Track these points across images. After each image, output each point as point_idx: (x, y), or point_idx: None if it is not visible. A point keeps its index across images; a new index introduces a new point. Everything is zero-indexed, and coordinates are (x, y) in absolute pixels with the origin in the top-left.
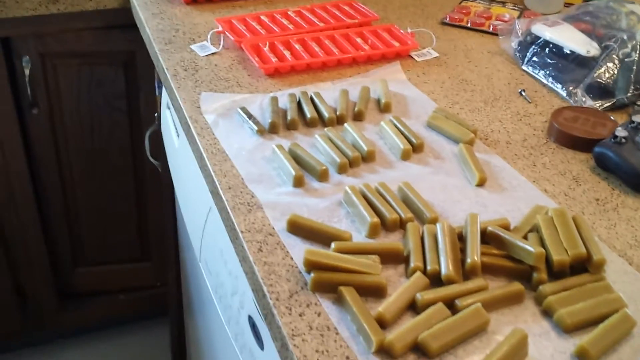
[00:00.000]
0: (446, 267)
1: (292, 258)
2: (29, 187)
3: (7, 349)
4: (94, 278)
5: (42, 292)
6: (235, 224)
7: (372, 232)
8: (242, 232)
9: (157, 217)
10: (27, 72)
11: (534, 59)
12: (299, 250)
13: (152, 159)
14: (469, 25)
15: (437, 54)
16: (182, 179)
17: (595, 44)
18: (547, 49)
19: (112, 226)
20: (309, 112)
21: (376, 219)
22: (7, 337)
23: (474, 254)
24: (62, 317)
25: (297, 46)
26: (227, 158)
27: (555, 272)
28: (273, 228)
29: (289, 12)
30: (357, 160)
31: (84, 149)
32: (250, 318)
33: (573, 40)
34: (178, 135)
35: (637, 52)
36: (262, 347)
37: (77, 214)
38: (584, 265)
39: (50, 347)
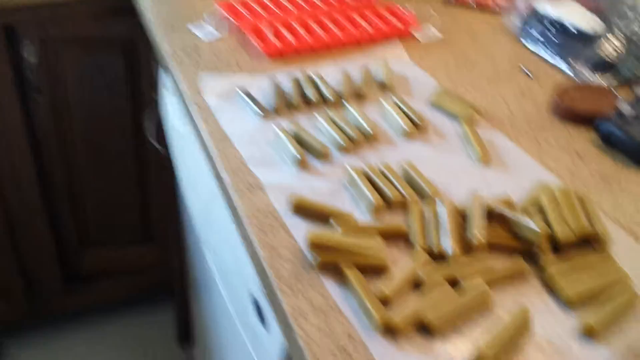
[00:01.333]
0: (449, 245)
1: (295, 240)
2: (33, 172)
3: (14, 332)
4: (99, 260)
5: (47, 275)
6: (237, 205)
7: (375, 212)
8: (244, 213)
9: (160, 199)
10: (29, 58)
11: (538, 36)
12: (301, 231)
13: (154, 142)
14: (472, 3)
15: (439, 34)
16: (184, 161)
17: (598, 20)
18: (550, 25)
19: (116, 208)
20: (310, 93)
21: (379, 199)
22: (14, 319)
23: (478, 232)
24: (68, 299)
25: (298, 27)
26: (228, 140)
27: (560, 250)
28: (275, 209)
29: None
30: (359, 141)
31: (87, 133)
32: (253, 298)
33: (576, 16)
34: (179, 119)
35: None
36: (265, 327)
37: (82, 197)
38: (589, 242)
39: (57, 329)
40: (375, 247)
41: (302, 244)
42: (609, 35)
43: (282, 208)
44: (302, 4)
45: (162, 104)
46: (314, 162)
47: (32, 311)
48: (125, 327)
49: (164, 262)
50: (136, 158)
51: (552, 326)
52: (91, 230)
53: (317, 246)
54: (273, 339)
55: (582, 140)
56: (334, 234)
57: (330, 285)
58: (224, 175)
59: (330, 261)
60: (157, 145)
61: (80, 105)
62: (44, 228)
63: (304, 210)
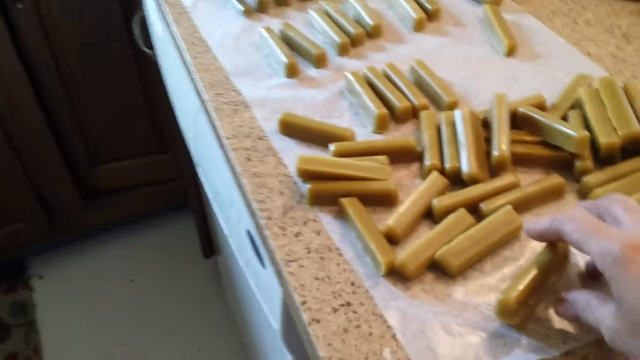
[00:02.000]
0: (468, 163)
1: (285, 166)
2: (28, 91)
3: (38, 252)
4: (113, 175)
5: (63, 195)
6: (219, 128)
7: (380, 126)
8: (227, 138)
9: (168, 107)
10: None
11: None
12: (293, 155)
13: (144, 48)
14: None
15: None
16: (169, 72)
17: None
18: None
19: (124, 120)
20: None
21: (383, 110)
22: (34, 240)
23: (502, 144)
24: (88, 216)
25: None
26: (208, 48)
27: (603, 159)
28: (263, 130)
29: None
30: (360, 38)
31: (79, 42)
32: (249, 233)
33: None
34: (157, 21)
35: None
36: (263, 265)
37: (85, 112)
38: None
39: (81, 245)
40: (380, 171)
41: (295, 171)
42: None
43: (271, 128)
44: None
45: (145, 5)
46: (308, 69)
47: (54, 230)
48: (149, 239)
49: (179, 172)
50: (136, 64)
51: None
52: (101, 145)
53: (308, 173)
54: (274, 281)
55: (628, 16)
56: (329, 159)
57: (327, 222)
58: (203, 92)
59: (325, 192)
60: (147, 51)
61: (67, 12)
62: (51, 149)
63: (296, 129)
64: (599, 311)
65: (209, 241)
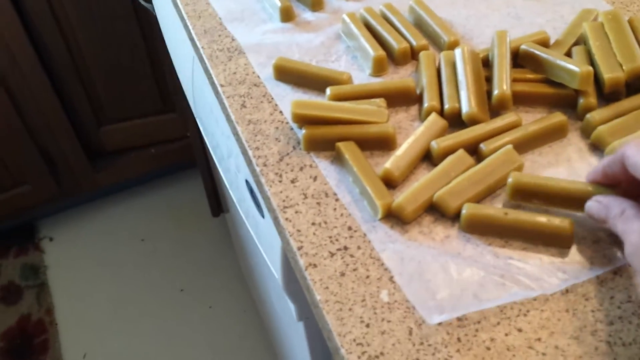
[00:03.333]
0: (468, 103)
1: (281, 112)
2: (30, 51)
3: (48, 214)
4: (120, 135)
5: (70, 156)
6: (213, 76)
7: (378, 69)
8: (221, 85)
9: (171, 66)
10: None
11: None
12: (289, 101)
13: (142, 2)
14: None
15: None
16: (165, 25)
17: None
18: None
19: (128, 80)
20: None
21: (381, 52)
22: (43, 201)
23: (503, 83)
24: (96, 177)
25: None
26: None
27: (608, 95)
28: (258, 77)
29: None
30: None
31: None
32: (247, 183)
33: None
34: None
35: None
36: (262, 214)
37: (88, 72)
38: None
39: (91, 206)
40: (377, 114)
41: (291, 117)
42: None
43: (266, 74)
44: None
45: None
46: (304, 12)
47: (62, 192)
48: (158, 199)
49: (187, 131)
50: (138, 20)
51: None
52: (106, 105)
53: (303, 118)
54: (273, 230)
55: None
56: (324, 103)
57: (324, 167)
58: (197, 39)
59: (321, 137)
60: (145, 4)
61: None
62: (56, 109)
63: (291, 74)
64: (630, 223)
65: (217, 199)
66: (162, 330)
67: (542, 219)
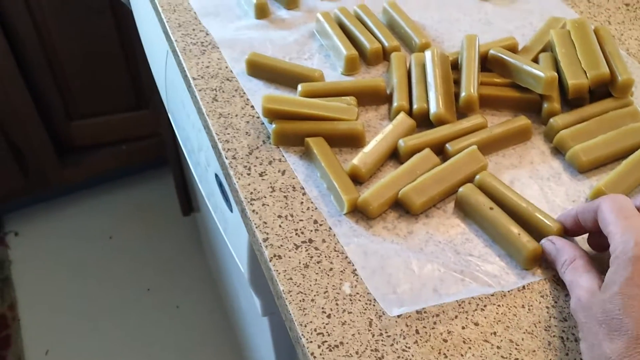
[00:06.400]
0: (436, 104)
1: (252, 107)
2: (2, 42)
3: (14, 208)
4: (91, 130)
5: (39, 149)
6: (186, 69)
7: (349, 68)
8: (193, 78)
9: (146, 62)
10: None
11: None
12: (261, 96)
13: None
14: None
15: None
16: (140, 18)
17: None
18: None
19: (102, 74)
20: None
21: (353, 51)
22: (13, 196)
23: (471, 86)
24: (65, 172)
25: None
26: None
27: (572, 101)
28: (231, 71)
29: None
30: None
31: None
32: (217, 177)
33: None
34: None
35: None
36: (231, 208)
37: (61, 65)
38: (608, 89)
39: (58, 202)
40: (347, 112)
41: (261, 112)
42: None
43: (239, 69)
44: None
45: None
46: (279, 10)
47: (30, 186)
48: (128, 196)
49: (159, 128)
50: (113, 14)
51: (558, 195)
52: (79, 99)
53: (273, 112)
54: (241, 224)
55: None
56: (295, 99)
57: (293, 162)
58: (170, 32)
59: (291, 132)
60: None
61: None
62: (25, 101)
63: (264, 70)
64: (577, 276)
65: (188, 198)
66: (128, 329)
67: (515, 229)
